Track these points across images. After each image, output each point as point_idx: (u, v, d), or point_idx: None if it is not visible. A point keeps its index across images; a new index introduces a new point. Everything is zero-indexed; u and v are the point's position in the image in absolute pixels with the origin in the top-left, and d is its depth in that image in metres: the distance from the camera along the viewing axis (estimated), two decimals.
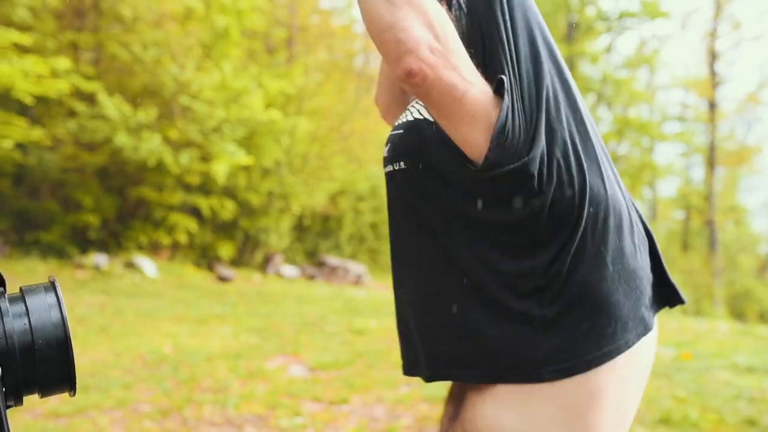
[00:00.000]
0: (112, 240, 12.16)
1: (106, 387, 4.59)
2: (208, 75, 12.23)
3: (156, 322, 7.20)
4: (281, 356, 5.86)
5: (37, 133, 10.69)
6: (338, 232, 16.82)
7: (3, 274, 0.83)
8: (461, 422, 1.16)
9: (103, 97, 11.19)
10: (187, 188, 12.63)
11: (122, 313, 7.67)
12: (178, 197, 12.37)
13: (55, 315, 0.78)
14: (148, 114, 11.47)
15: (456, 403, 1.24)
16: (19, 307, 0.77)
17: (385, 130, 1.48)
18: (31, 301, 0.78)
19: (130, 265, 11.08)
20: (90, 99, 11.60)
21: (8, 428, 0.71)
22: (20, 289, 0.82)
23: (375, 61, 21.77)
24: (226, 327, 7.17)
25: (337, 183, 15.65)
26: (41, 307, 0.78)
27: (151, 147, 11.24)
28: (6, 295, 0.78)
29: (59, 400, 4.28)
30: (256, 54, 15.45)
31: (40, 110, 11.60)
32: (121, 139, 11.09)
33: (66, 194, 12.10)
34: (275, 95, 13.70)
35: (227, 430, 4.01)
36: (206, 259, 13.33)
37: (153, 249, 12.38)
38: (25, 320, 0.76)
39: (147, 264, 11.23)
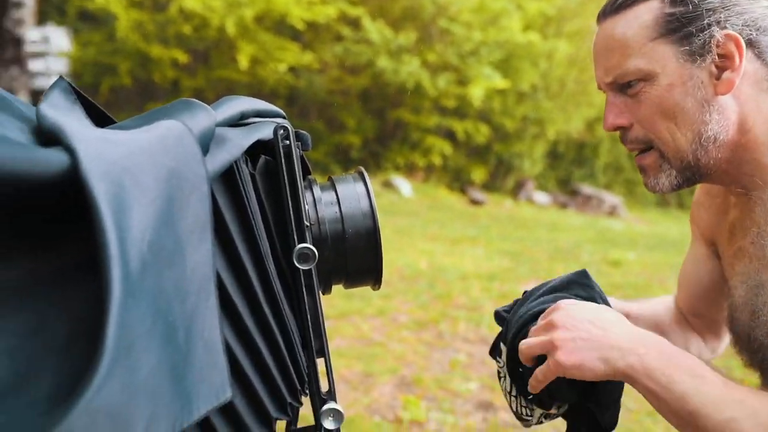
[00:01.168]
0: (371, 160, 12.76)
1: (369, 296, 4.84)
2: None
3: (412, 240, 7.46)
4: (534, 281, 5.79)
5: (307, 57, 11.38)
6: (593, 161, 16.16)
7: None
8: None
9: (366, 22, 11.57)
10: (443, 111, 12.78)
11: (381, 229, 8.04)
12: (434, 120, 12.59)
13: (364, 204, 0.75)
14: (408, 37, 11.68)
15: None
16: (330, 195, 0.76)
17: None
18: (341, 189, 0.76)
19: (388, 185, 11.56)
20: (354, 23, 12.05)
21: (322, 313, 0.70)
22: (329, 178, 0.81)
23: None
24: (479, 248, 7.24)
25: (596, 109, 14.90)
26: (351, 196, 0.76)
27: (410, 70, 11.48)
28: (318, 183, 0.78)
29: (325, 304, 4.60)
30: None
31: (310, 35, 12.30)
32: (383, 63, 11.44)
33: (331, 115, 12.84)
34: (534, 16, 13.25)
35: (480, 348, 4.06)
36: (459, 182, 13.51)
37: (409, 170, 12.79)
38: (336, 209, 0.74)
39: (403, 184, 11.64)
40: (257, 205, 0.66)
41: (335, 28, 12.01)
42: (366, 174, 0.79)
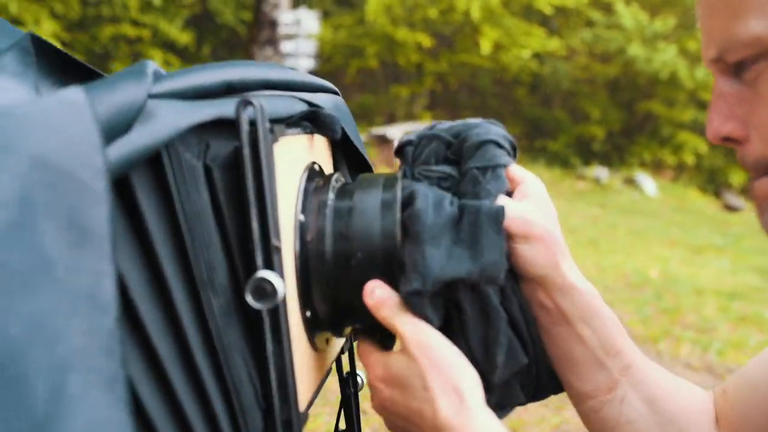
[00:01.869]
0: (614, 154, 12.01)
1: None
2: None
3: (646, 243, 6.85)
4: None
5: (553, 43, 10.93)
6: None
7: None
8: None
9: (620, 6, 10.87)
10: (701, 105, 11.65)
11: (614, 228, 7.49)
12: (689, 114, 11.53)
13: (387, 220, 0.53)
14: (665, 23, 10.79)
15: None
16: (345, 203, 0.54)
17: None
18: (360, 196, 0.55)
19: (630, 182, 10.80)
20: (606, 8, 11.37)
21: (291, 368, 0.50)
22: (358, 177, 0.59)
23: None
24: (724, 260, 6.45)
25: None
26: (371, 206, 0.54)
27: (665, 59, 10.59)
28: (334, 184, 0.56)
29: None
30: None
31: (559, 21, 11.81)
32: (635, 50, 10.68)
33: (575, 105, 12.26)
34: None
35: (705, 378, 3.54)
36: (713, 184, 12.28)
37: (656, 167, 11.86)
38: (345, 221, 0.53)
39: (647, 182, 10.81)
40: (211, 211, 0.47)
41: (585, 13, 11.41)
42: (401, 179, 0.56)
